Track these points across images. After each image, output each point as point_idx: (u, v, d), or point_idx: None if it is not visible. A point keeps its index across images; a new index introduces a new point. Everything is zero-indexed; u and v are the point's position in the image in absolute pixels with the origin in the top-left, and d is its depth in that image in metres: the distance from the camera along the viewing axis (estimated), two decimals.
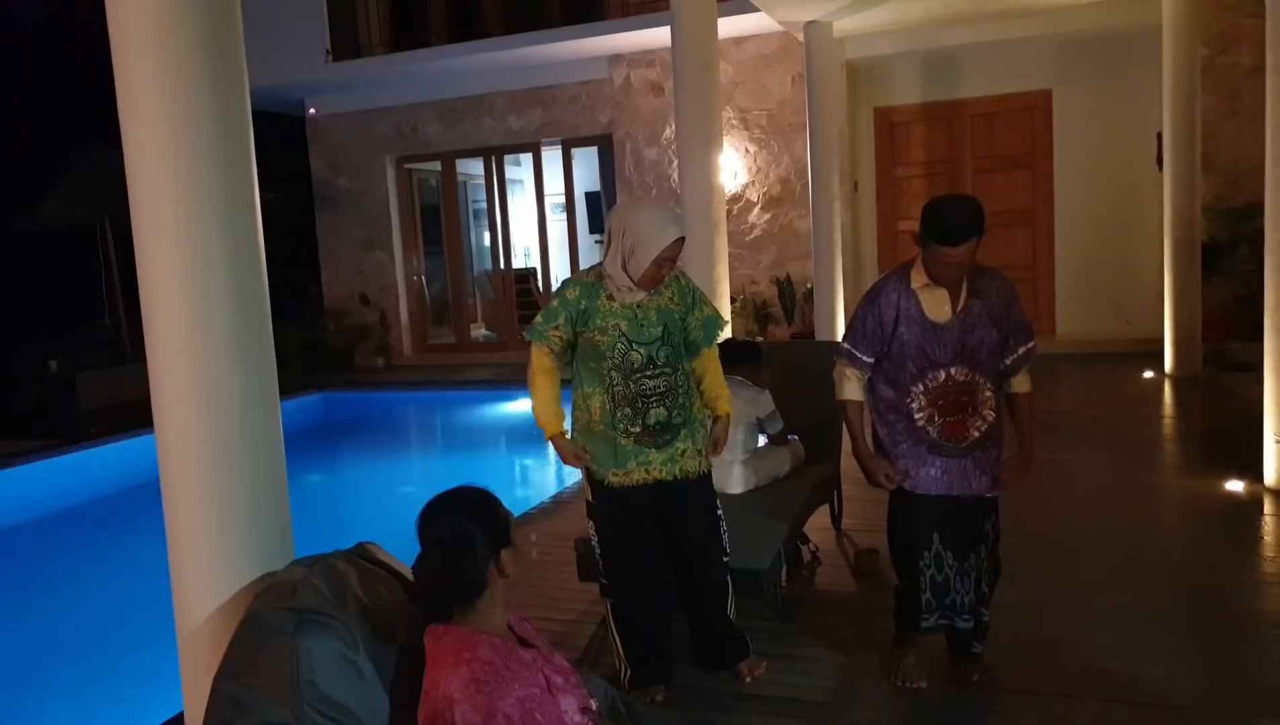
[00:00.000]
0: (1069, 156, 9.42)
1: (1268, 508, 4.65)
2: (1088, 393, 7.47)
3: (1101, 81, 9.24)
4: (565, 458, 3.08)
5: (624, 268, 2.93)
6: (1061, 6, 8.45)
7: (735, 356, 3.86)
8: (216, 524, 2.15)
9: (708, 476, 3.14)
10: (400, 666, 1.94)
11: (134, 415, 7.79)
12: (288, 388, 9.70)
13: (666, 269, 2.93)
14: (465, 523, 1.91)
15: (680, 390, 3.01)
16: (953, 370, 2.88)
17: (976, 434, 2.91)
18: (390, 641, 1.98)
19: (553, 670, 1.90)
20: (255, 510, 2.20)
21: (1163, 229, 7.83)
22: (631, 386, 2.94)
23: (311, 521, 6.20)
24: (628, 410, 2.96)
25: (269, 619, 1.89)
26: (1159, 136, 7.98)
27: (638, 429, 2.96)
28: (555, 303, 3.04)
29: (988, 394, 2.91)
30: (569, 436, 3.09)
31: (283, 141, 12.21)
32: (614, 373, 2.95)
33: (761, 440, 4.14)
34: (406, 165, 12.09)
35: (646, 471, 3.01)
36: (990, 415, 2.92)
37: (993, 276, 2.93)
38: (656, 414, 2.96)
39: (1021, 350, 2.93)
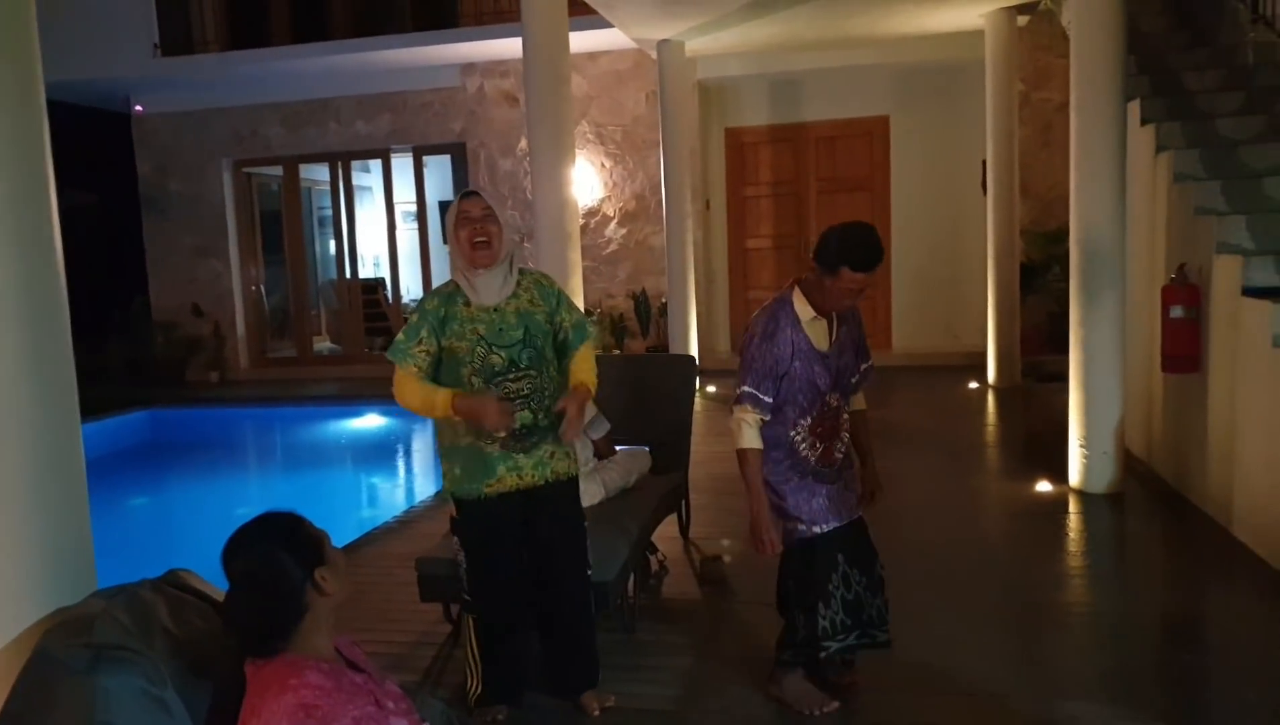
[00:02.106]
0: (904, 180, 9.94)
1: (1072, 507, 5.05)
2: (919, 403, 7.89)
3: (934, 110, 9.80)
4: (484, 414, 2.79)
5: (458, 256, 2.93)
6: (897, 38, 8.93)
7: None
8: (2, 555, 1.95)
9: (575, 479, 3.11)
10: (215, 701, 1.84)
11: None
12: (109, 405, 9.07)
13: (478, 227, 2.87)
14: (272, 549, 1.82)
15: (546, 393, 2.97)
16: (831, 397, 2.95)
17: (839, 456, 3.00)
18: (205, 675, 1.86)
19: (383, 695, 1.84)
20: (49, 539, 2.00)
21: (986, 250, 8.38)
22: (494, 391, 2.89)
23: (132, 549, 5.81)
24: None
25: (59, 657, 1.73)
26: (984, 164, 8.54)
27: (503, 434, 2.91)
28: (415, 318, 2.97)
29: (845, 416, 3.03)
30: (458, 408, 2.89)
31: (105, 140, 11.42)
32: (475, 379, 2.90)
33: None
34: (245, 169, 11.56)
35: (519, 477, 2.96)
36: (846, 436, 3.04)
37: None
38: (522, 417, 2.92)
39: (864, 368, 3.08)
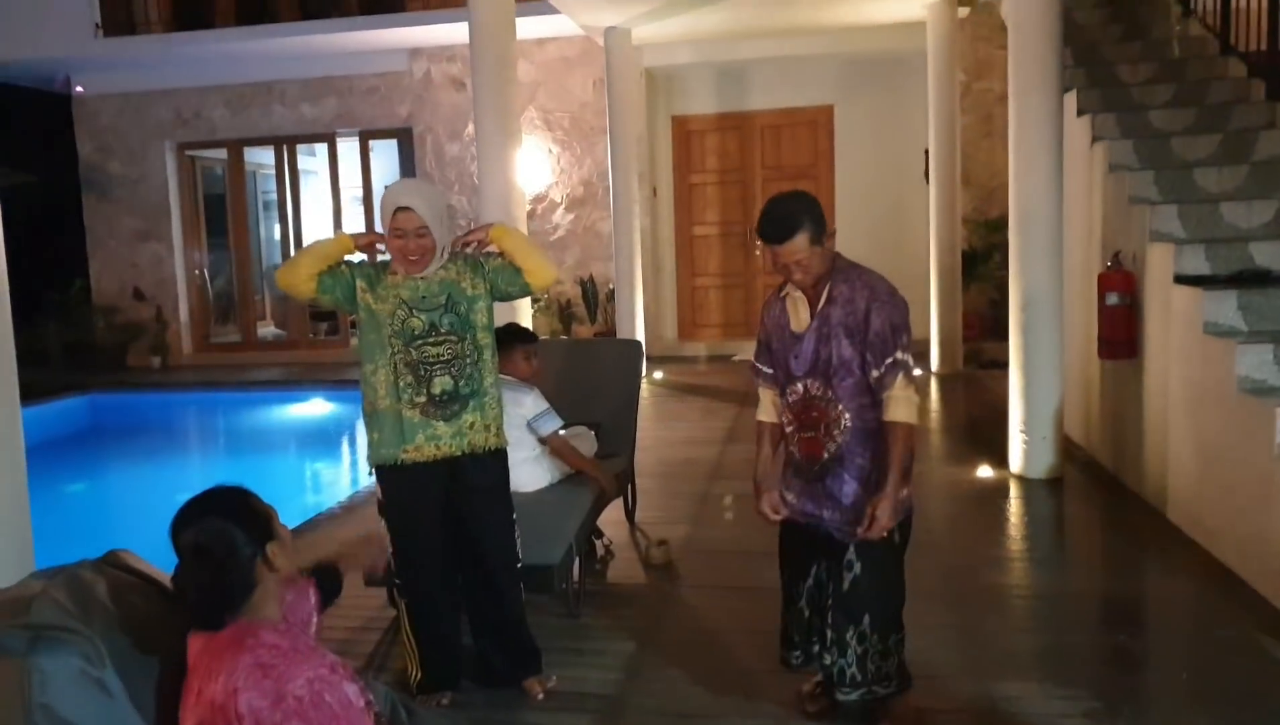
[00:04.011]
0: (849, 169, 10.03)
1: (1013, 491, 5.16)
2: None
3: (878, 99, 9.89)
4: (369, 238, 2.98)
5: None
6: (841, 27, 9.00)
7: (506, 338, 3.71)
8: None
9: (500, 454, 3.06)
10: (161, 677, 1.82)
11: None
12: (47, 390, 8.85)
13: (409, 242, 2.86)
14: (223, 523, 1.81)
15: (468, 360, 2.95)
16: (809, 382, 2.68)
17: (827, 456, 2.67)
18: (147, 653, 1.84)
19: (335, 660, 1.83)
20: None
21: (929, 238, 8.50)
22: (413, 353, 2.89)
23: (72, 533, 5.69)
24: (410, 378, 2.90)
25: None
26: (926, 153, 8.65)
27: (422, 399, 2.90)
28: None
29: (838, 413, 2.64)
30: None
31: (44, 121, 11.08)
32: (395, 340, 2.90)
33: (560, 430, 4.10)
34: (188, 151, 11.28)
35: (436, 446, 2.93)
36: (841, 438, 2.65)
37: (860, 283, 2.64)
38: (441, 383, 2.90)
39: (876, 372, 2.58)
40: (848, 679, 2.69)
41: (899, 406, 2.57)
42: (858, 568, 2.66)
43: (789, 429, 2.78)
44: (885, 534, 2.58)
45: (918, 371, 2.75)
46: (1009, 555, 4.38)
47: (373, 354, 2.94)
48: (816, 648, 2.79)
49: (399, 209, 2.86)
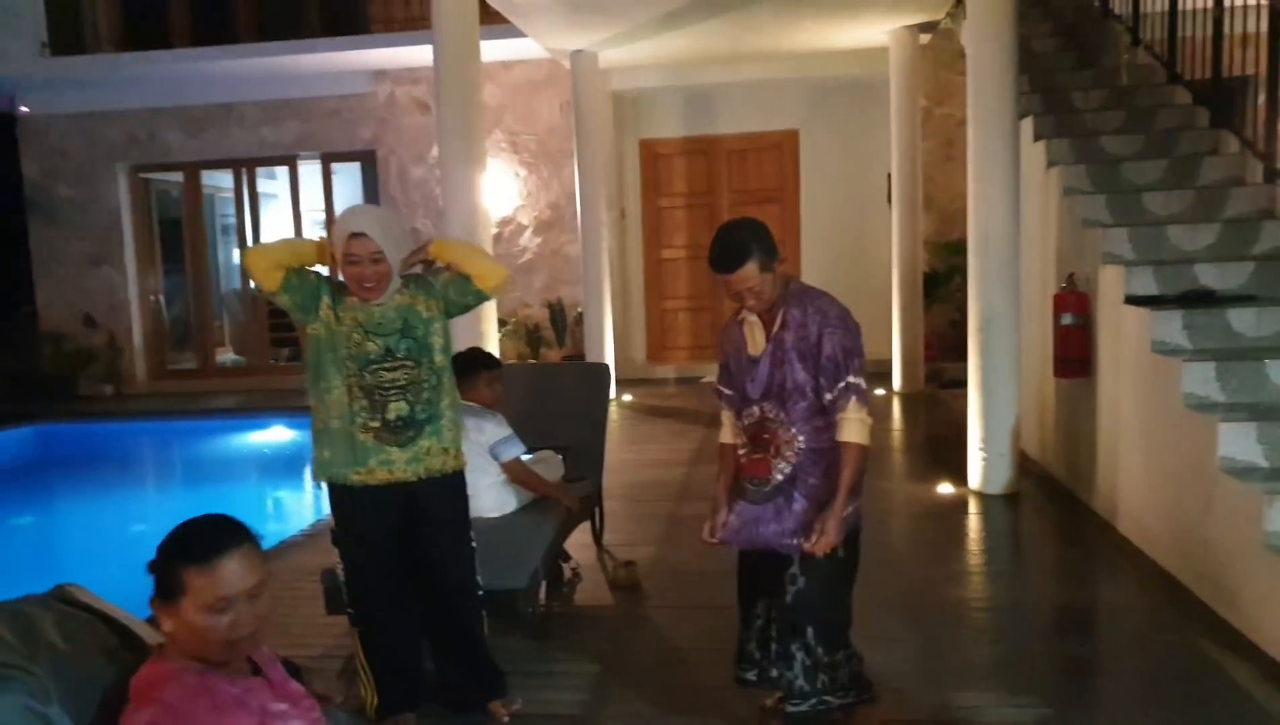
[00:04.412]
0: (813, 192, 10.17)
1: (972, 507, 5.25)
2: None
3: (842, 124, 10.05)
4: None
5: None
6: (806, 52, 9.15)
7: (469, 364, 3.71)
8: None
9: (458, 478, 3.05)
10: (99, 712, 1.78)
11: None
12: None
13: (364, 269, 2.82)
14: (168, 541, 1.76)
15: (425, 385, 2.93)
16: (764, 405, 2.71)
17: (779, 477, 2.70)
18: (96, 689, 1.80)
19: (275, 698, 1.79)
20: None
21: (891, 260, 8.63)
22: (368, 377, 2.87)
23: (19, 567, 5.56)
24: (365, 402, 2.87)
25: None
26: (889, 177, 8.80)
27: (377, 424, 2.87)
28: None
29: (791, 436, 2.68)
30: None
31: None
32: (350, 363, 2.87)
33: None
34: (142, 174, 11.14)
35: (390, 471, 2.90)
36: (794, 459, 2.68)
37: (811, 307, 2.68)
38: (397, 408, 2.88)
39: (829, 396, 2.63)
40: (795, 691, 2.73)
41: (852, 428, 2.63)
42: (801, 581, 2.70)
43: (741, 450, 2.81)
44: (830, 550, 2.62)
45: (879, 391, 2.79)
46: (967, 569, 4.46)
47: (326, 373, 2.90)
48: (765, 663, 2.82)
49: (353, 235, 2.82)
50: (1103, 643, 3.73)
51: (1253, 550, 3.44)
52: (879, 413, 7.95)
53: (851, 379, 2.63)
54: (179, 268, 11.48)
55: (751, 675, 2.87)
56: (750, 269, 2.61)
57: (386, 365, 2.87)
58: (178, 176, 11.20)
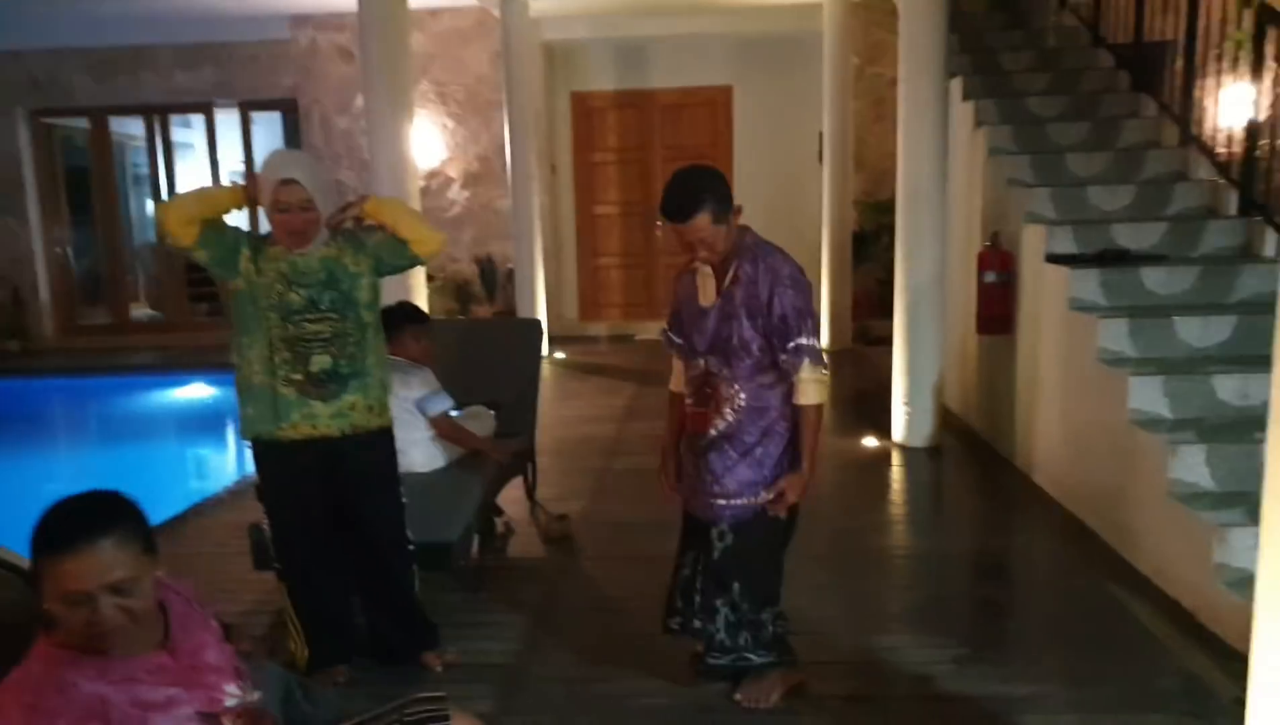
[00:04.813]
0: (746, 149, 10.14)
1: (895, 460, 5.40)
2: None
3: (775, 81, 10.02)
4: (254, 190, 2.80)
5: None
6: (739, 7, 9.11)
7: (395, 319, 3.63)
8: None
9: (385, 434, 3.01)
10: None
11: None
12: None
13: (293, 217, 2.76)
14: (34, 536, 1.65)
15: (350, 339, 2.87)
16: (709, 359, 2.69)
17: (714, 432, 2.69)
18: (9, 644, 1.76)
19: (166, 682, 1.69)
20: None
21: (822, 219, 8.71)
22: (290, 329, 2.80)
23: None
24: (287, 355, 2.81)
25: None
26: (820, 135, 8.86)
27: (299, 377, 2.82)
28: None
29: (734, 392, 2.65)
30: None
31: None
32: (271, 314, 2.80)
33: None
34: (44, 119, 10.57)
35: (313, 425, 2.86)
36: (731, 416, 2.66)
37: (764, 265, 2.62)
38: (320, 361, 2.82)
39: (782, 356, 2.60)
40: (716, 644, 2.77)
41: (808, 389, 2.61)
42: (730, 538, 2.71)
43: (687, 402, 2.80)
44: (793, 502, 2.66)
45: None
46: (890, 518, 4.61)
47: (248, 327, 2.83)
48: (690, 615, 2.84)
49: (284, 181, 2.74)
50: (1016, 587, 3.90)
51: (1156, 497, 3.61)
52: None
53: (803, 340, 2.59)
54: (89, 219, 10.98)
55: (675, 624, 2.89)
56: (703, 220, 2.56)
57: (310, 317, 2.81)
58: (84, 123, 10.68)
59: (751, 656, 2.80)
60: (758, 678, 2.84)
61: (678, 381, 2.88)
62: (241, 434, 2.94)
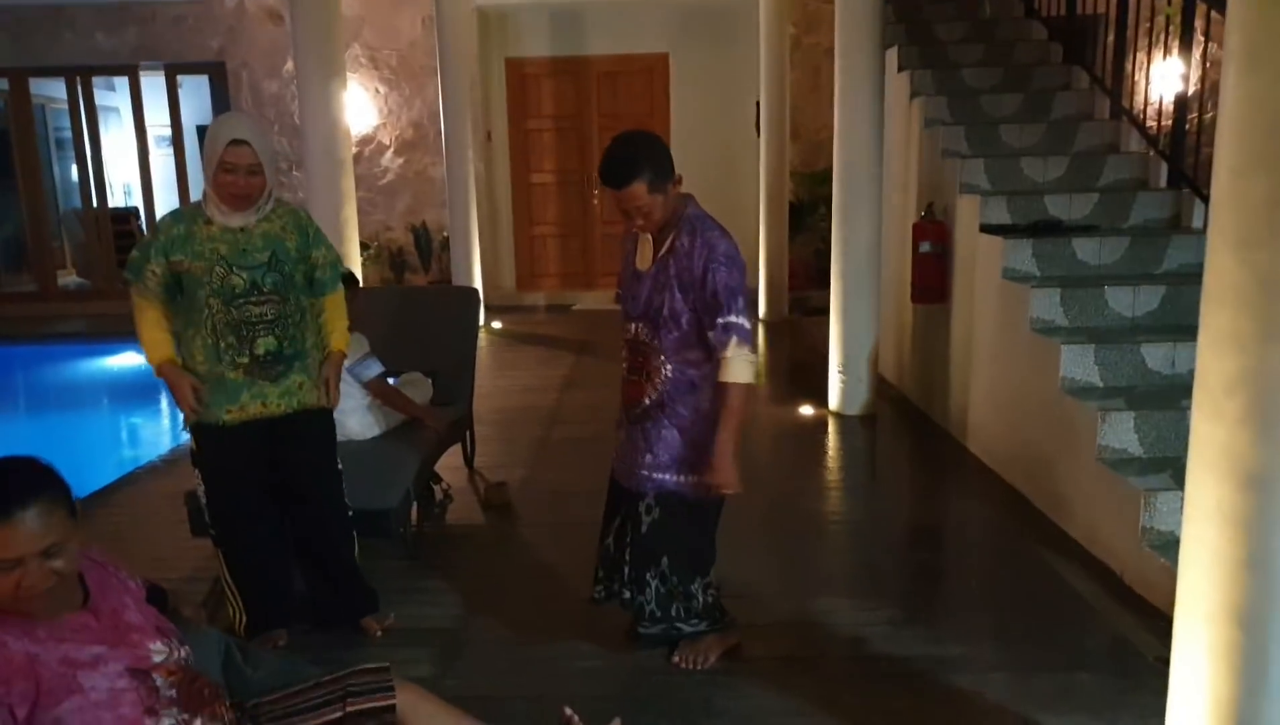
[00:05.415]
0: (683, 118, 10.11)
1: (831, 428, 5.48)
2: None
3: (712, 50, 9.99)
4: (177, 393, 2.79)
5: (212, 190, 2.77)
6: None
7: None
8: None
9: (327, 412, 3.02)
10: None
11: None
12: None
13: (241, 179, 2.72)
14: None
15: (292, 320, 2.86)
16: (640, 326, 2.67)
17: (647, 402, 2.68)
18: None
19: (90, 640, 1.71)
20: None
21: (759, 190, 8.75)
22: (234, 312, 2.77)
23: None
24: (232, 339, 2.78)
25: None
26: (758, 105, 8.87)
27: (245, 360, 2.79)
28: (149, 236, 2.83)
29: (660, 362, 2.64)
30: (180, 366, 2.82)
31: None
32: (213, 300, 2.76)
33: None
34: None
35: (263, 404, 2.85)
36: (661, 387, 2.65)
37: (700, 240, 2.57)
38: (265, 343, 2.80)
39: (710, 333, 2.57)
40: (646, 615, 2.78)
41: (732, 367, 2.56)
42: (656, 512, 2.71)
43: (623, 366, 2.79)
44: (735, 490, 2.64)
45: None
46: (826, 485, 4.67)
47: (189, 319, 2.80)
48: (617, 585, 2.85)
49: (234, 141, 2.69)
50: (950, 552, 3.99)
51: (1086, 463, 3.72)
52: None
53: (732, 318, 2.54)
54: (9, 185, 10.56)
55: (599, 593, 2.90)
56: (638, 188, 2.53)
57: (253, 299, 2.78)
58: (2, 84, 10.22)
59: (683, 626, 2.82)
60: (694, 640, 2.87)
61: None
62: (185, 422, 2.90)
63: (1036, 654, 2.94)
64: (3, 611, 1.65)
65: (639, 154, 2.56)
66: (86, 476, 4.49)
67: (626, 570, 2.78)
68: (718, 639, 2.89)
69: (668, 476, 2.69)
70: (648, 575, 2.75)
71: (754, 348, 2.62)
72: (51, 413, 7.86)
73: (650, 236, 2.69)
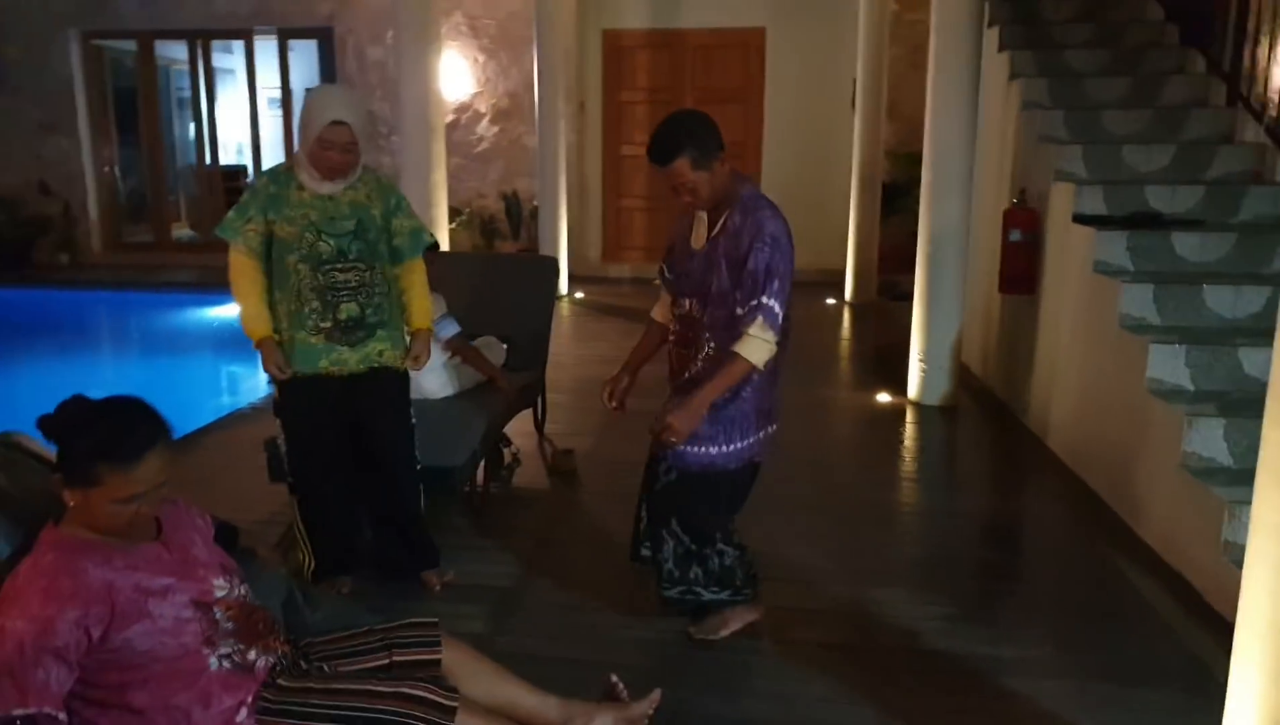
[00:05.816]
0: (778, 94, 9.97)
1: (909, 417, 5.37)
2: None
3: (810, 25, 9.80)
4: (266, 365, 2.94)
5: (306, 159, 2.87)
6: None
7: None
8: None
9: (404, 375, 3.12)
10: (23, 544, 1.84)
11: None
12: None
13: (336, 155, 2.82)
14: (83, 422, 1.80)
15: (376, 289, 2.96)
16: (691, 302, 2.74)
17: (689, 375, 2.76)
18: (36, 524, 1.86)
19: (160, 572, 1.82)
20: None
21: (852, 168, 8.58)
22: (320, 278, 2.88)
23: None
24: (316, 304, 2.89)
25: None
26: (854, 82, 8.68)
27: (328, 324, 2.91)
28: (247, 196, 2.93)
29: (705, 339, 2.70)
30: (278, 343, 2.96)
31: None
32: (302, 266, 2.87)
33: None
34: (94, 41, 10.67)
35: (341, 368, 2.97)
36: (704, 363, 2.71)
37: (751, 219, 2.60)
38: (348, 309, 2.91)
39: (740, 310, 2.58)
40: (664, 574, 2.84)
41: (748, 345, 2.57)
42: (673, 475, 2.76)
43: (671, 337, 2.87)
44: (674, 442, 2.63)
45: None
46: (897, 475, 4.59)
47: (278, 282, 2.92)
48: (647, 544, 2.90)
49: (335, 122, 2.78)
50: (1017, 551, 3.88)
51: (1168, 470, 3.54)
52: (827, 322, 8.03)
53: (765, 300, 2.55)
54: (134, 140, 11.15)
55: (646, 552, 2.93)
56: (682, 165, 2.57)
57: (339, 266, 2.89)
58: (131, 45, 10.74)
59: (701, 591, 2.85)
60: (712, 612, 2.90)
61: (661, 311, 2.97)
62: (267, 374, 3.03)
63: (1098, 663, 2.83)
64: (87, 538, 1.78)
65: (682, 131, 2.60)
66: (184, 419, 4.77)
67: (648, 527, 2.87)
68: (737, 613, 2.91)
69: (689, 447, 2.71)
70: (663, 532, 2.81)
71: (777, 333, 2.61)
72: (160, 356, 8.34)
73: (705, 216, 2.72)
